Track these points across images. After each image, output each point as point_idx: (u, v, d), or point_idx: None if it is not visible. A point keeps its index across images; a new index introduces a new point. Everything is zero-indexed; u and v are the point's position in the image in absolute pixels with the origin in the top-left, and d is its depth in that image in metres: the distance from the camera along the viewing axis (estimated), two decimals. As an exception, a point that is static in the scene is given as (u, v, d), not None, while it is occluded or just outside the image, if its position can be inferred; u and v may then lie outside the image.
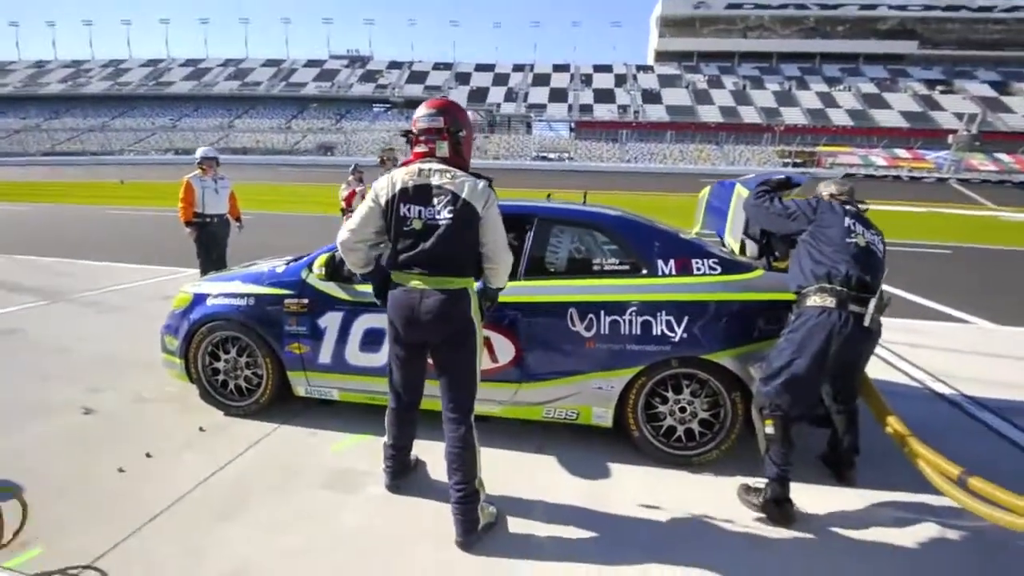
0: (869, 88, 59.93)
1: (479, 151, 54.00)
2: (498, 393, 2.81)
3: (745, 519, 2.30)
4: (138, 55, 74.73)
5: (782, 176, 2.74)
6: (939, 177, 42.50)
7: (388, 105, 65.52)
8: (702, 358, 2.55)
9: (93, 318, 5.22)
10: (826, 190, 2.52)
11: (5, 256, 8.30)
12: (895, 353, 4.62)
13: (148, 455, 2.74)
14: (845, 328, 2.11)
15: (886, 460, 2.67)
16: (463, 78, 67.86)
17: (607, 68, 68.58)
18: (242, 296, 3.12)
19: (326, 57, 74.83)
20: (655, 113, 58.78)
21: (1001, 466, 2.83)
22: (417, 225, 2.05)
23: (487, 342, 2.72)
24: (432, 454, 2.62)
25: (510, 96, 63.64)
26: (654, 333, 2.58)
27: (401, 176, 2.09)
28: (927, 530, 2.22)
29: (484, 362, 2.74)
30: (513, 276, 2.78)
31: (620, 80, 65.55)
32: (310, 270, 3.00)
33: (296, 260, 3.19)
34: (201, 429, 3.04)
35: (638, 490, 2.50)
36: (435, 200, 2.04)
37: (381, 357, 2.85)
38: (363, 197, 7.37)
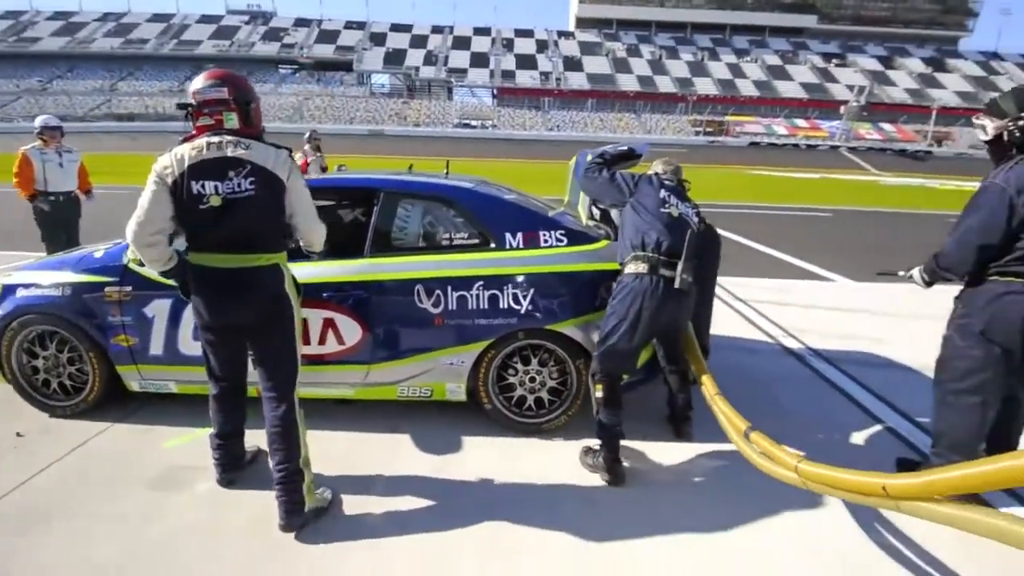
0: (774, 60, 63.46)
1: (398, 117, 52.03)
2: (349, 375, 2.71)
3: (584, 479, 2.39)
4: (-8, 4, 64.22)
5: (624, 147, 2.78)
6: (832, 145, 46.16)
7: (296, 67, 61.08)
8: (547, 328, 2.58)
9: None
10: (655, 168, 2.61)
11: None
12: (759, 312, 4.98)
13: (-52, 468, 2.42)
14: (657, 291, 2.21)
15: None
16: (378, 39, 64.41)
17: (528, 33, 67.70)
18: (57, 286, 2.77)
19: (223, 12, 68.12)
20: (577, 81, 59.07)
21: (827, 407, 3.17)
22: (215, 202, 1.89)
23: (332, 323, 2.61)
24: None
25: (429, 59, 61.33)
26: (501, 306, 2.57)
27: (187, 151, 1.89)
28: (739, 478, 2.40)
29: (331, 344, 2.64)
30: (358, 253, 2.68)
31: (542, 46, 65.01)
32: (132, 254, 2.71)
33: (116, 244, 2.87)
34: (19, 434, 2.72)
35: (487, 460, 2.54)
36: (231, 173, 1.89)
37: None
38: (323, 170, 6.71)
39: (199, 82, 1.95)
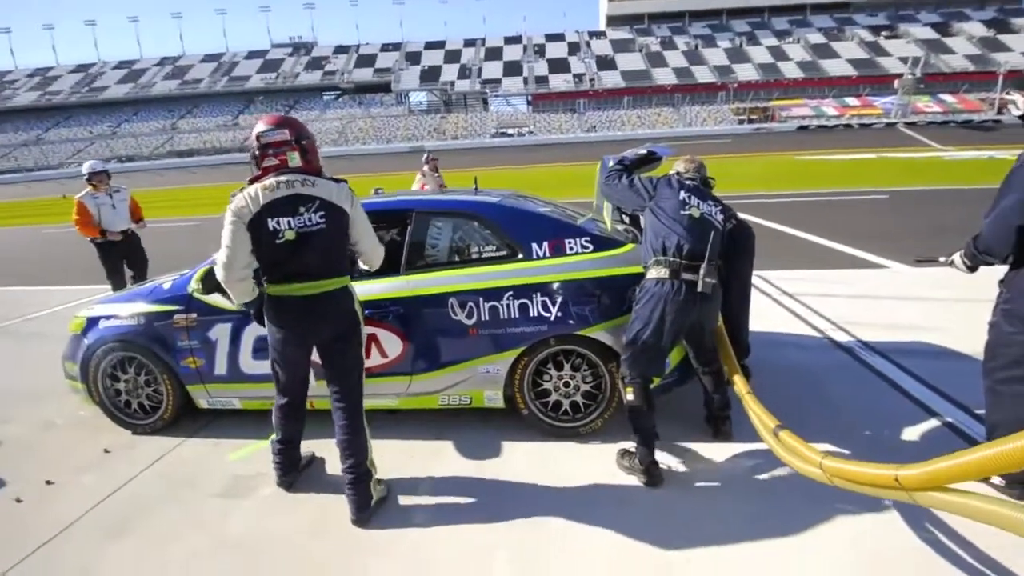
0: (817, 38, 60.62)
1: (437, 132, 53.18)
2: (393, 387, 2.87)
3: (620, 481, 2.44)
4: (66, 61, 70.55)
5: (644, 151, 2.81)
6: (887, 122, 43.53)
7: (338, 92, 63.66)
8: (577, 334, 2.65)
9: (10, 347, 5.08)
10: (676, 167, 2.62)
11: (-76, 289, 7.95)
12: (806, 305, 4.83)
13: (48, 482, 2.76)
14: (679, 296, 2.23)
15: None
16: (413, 57, 66.22)
17: (559, 37, 67.72)
18: (132, 316, 3.09)
19: (268, 47, 71.93)
20: (611, 79, 58.51)
21: (878, 403, 3.05)
22: (290, 236, 2.08)
23: (374, 338, 2.77)
24: (327, 451, 2.71)
25: (464, 73, 62.43)
26: (531, 315, 2.66)
27: (260, 191, 2.09)
28: (778, 477, 2.37)
29: (375, 358, 2.81)
30: (395, 271, 2.84)
31: (573, 48, 64.87)
32: (196, 283, 2.99)
33: (182, 275, 3.16)
34: (106, 451, 3.04)
35: (525, 463, 2.63)
36: (302, 208, 2.09)
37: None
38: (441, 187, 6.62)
39: (261, 127, 2.16)
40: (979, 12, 61.36)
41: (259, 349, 2.91)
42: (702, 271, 2.21)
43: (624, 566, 1.97)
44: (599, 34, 68.13)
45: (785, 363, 3.58)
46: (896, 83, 47.57)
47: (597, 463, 2.59)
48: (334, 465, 2.70)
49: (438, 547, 2.13)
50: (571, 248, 2.72)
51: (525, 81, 60.27)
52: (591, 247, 2.72)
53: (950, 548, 1.94)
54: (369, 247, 2.31)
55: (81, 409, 3.46)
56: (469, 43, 68.56)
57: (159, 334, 3.03)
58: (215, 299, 2.93)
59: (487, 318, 2.69)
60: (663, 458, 2.47)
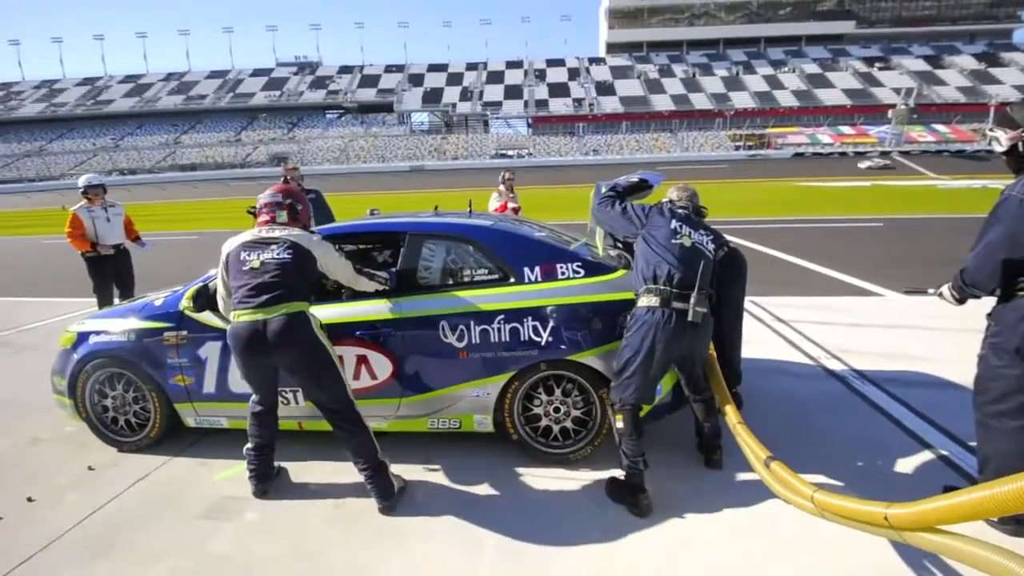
0: (812, 68, 61.99)
1: (437, 152, 53.72)
2: (382, 409, 2.84)
3: (610, 510, 2.40)
4: (73, 73, 71.47)
5: (636, 178, 2.85)
6: (882, 151, 44.22)
7: (341, 111, 64.52)
8: (568, 359, 2.64)
9: (2, 359, 5.04)
10: (669, 195, 2.64)
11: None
12: (800, 332, 4.84)
13: (30, 499, 2.71)
14: (669, 324, 2.23)
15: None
16: (416, 79, 67.34)
17: (560, 62, 69.09)
18: (123, 332, 3.07)
19: (273, 65, 73.11)
20: (609, 105, 59.52)
21: (870, 433, 3.03)
22: (255, 264, 2.41)
23: (364, 359, 2.76)
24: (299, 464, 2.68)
25: (465, 95, 63.45)
26: (522, 339, 2.65)
27: (241, 236, 2.51)
28: (770, 508, 2.34)
29: (364, 379, 2.79)
30: (387, 293, 2.84)
31: (573, 74, 66.11)
32: (187, 301, 2.98)
33: (174, 292, 3.16)
34: (90, 468, 3.00)
35: (514, 490, 2.60)
36: (273, 246, 2.45)
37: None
38: (515, 211, 6.21)
39: (266, 194, 2.58)
40: (969, 46, 63.00)
41: (249, 368, 2.88)
42: (692, 300, 2.21)
43: (611, 599, 1.93)
44: (599, 60, 69.56)
45: (777, 391, 3.57)
46: (890, 113, 48.47)
47: (586, 491, 2.56)
48: (319, 486, 2.69)
49: (420, 573, 2.08)
50: (563, 273, 2.73)
51: (525, 104, 61.24)
52: (583, 272, 2.73)
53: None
54: (346, 279, 2.68)
55: (68, 425, 3.42)
56: (471, 66, 69.85)
57: (149, 351, 3.01)
58: (206, 317, 2.93)
59: (478, 341, 2.68)
60: (653, 486, 2.43)
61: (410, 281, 2.85)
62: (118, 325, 3.11)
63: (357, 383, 2.79)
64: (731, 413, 2.33)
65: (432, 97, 63.45)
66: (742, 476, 2.58)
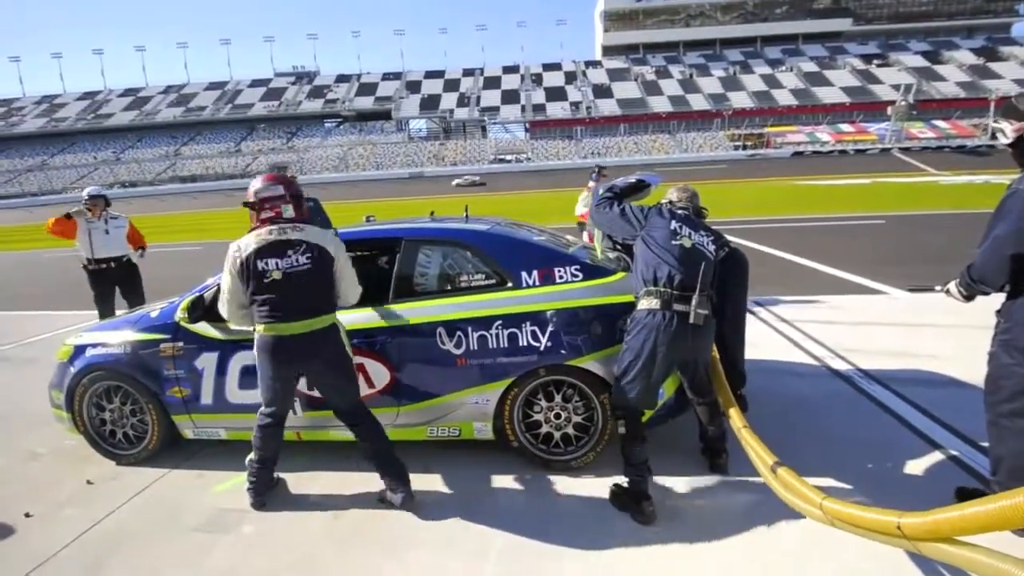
0: (810, 67, 62.03)
1: (436, 158, 53.82)
2: (380, 418, 2.77)
3: (613, 518, 2.35)
4: (73, 88, 71.95)
5: (633, 179, 2.81)
6: (882, 148, 44.18)
7: (340, 120, 64.74)
8: (568, 364, 2.60)
9: (2, 373, 5.02)
10: (668, 196, 2.61)
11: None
12: (804, 332, 4.79)
13: (27, 515, 2.68)
14: (670, 327, 2.19)
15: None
16: (413, 86, 67.58)
17: (556, 66, 69.30)
18: (119, 344, 3.05)
19: (271, 76, 73.47)
20: (607, 107, 59.63)
21: (878, 434, 2.98)
22: (277, 276, 2.32)
23: (362, 367, 2.73)
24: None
25: (462, 101, 63.66)
26: (521, 344, 2.61)
27: (251, 239, 2.37)
28: (777, 514, 2.28)
29: (362, 388, 2.75)
30: (383, 300, 2.81)
31: (570, 77, 66.29)
32: (183, 312, 2.95)
33: (170, 303, 3.13)
34: (89, 482, 2.96)
35: (515, 499, 2.56)
36: (289, 251, 2.35)
37: (259, 393, 2.84)
38: None
39: (259, 184, 2.46)
40: (968, 41, 63.00)
41: (245, 379, 2.85)
42: (694, 302, 2.17)
43: (616, 609, 1.88)
44: (595, 63, 69.77)
45: (782, 392, 3.52)
46: (889, 110, 48.47)
47: (589, 499, 2.51)
48: (318, 497, 2.65)
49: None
50: (561, 276, 2.69)
51: (523, 109, 61.40)
52: (581, 275, 2.69)
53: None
54: (348, 286, 2.54)
55: (66, 438, 3.39)
56: (468, 72, 70.11)
57: (146, 363, 2.98)
58: (202, 328, 2.90)
59: (476, 348, 2.65)
60: (657, 493, 2.39)
61: (406, 287, 2.82)
62: (115, 337, 3.08)
63: (355, 392, 2.76)
64: (735, 416, 2.28)
65: (430, 104, 63.65)
66: (748, 480, 2.53)
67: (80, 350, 3.15)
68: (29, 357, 5.46)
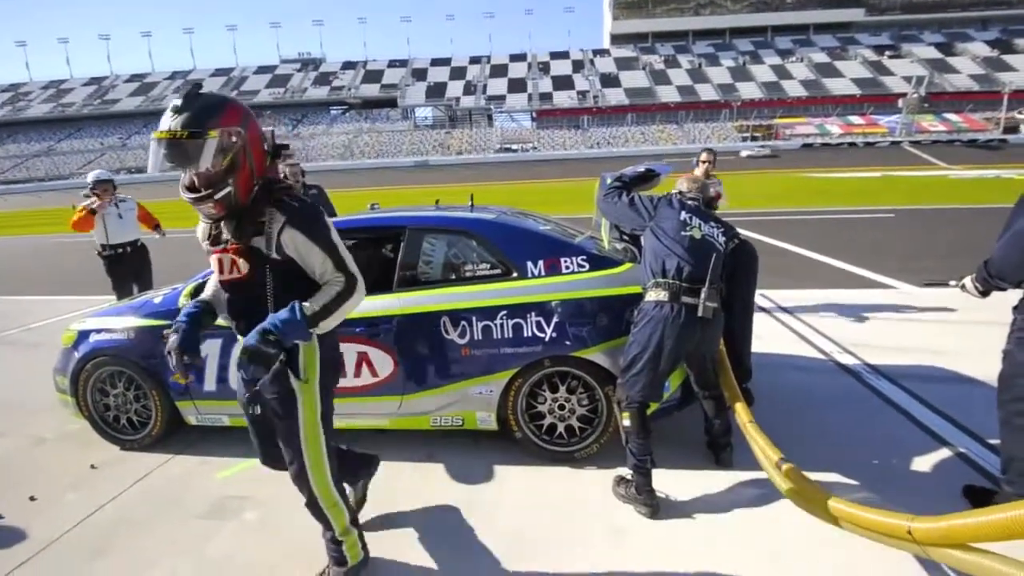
0: (820, 57, 61.13)
1: (442, 147, 53.56)
2: (383, 406, 2.80)
3: (616, 510, 2.34)
4: (79, 73, 71.87)
5: (643, 169, 2.76)
6: (892, 141, 43.61)
7: (345, 107, 64.45)
8: (572, 355, 2.57)
9: (8, 358, 5.04)
10: (678, 186, 2.56)
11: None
12: (811, 326, 4.74)
13: (32, 498, 2.69)
14: (678, 319, 2.15)
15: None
16: (419, 74, 67.10)
17: (564, 55, 68.57)
18: (123, 330, 3.04)
19: (277, 62, 73.10)
20: (615, 97, 59.05)
21: (885, 430, 2.95)
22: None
23: (365, 356, 2.71)
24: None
25: (469, 89, 63.18)
26: (525, 335, 2.59)
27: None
28: (782, 509, 2.27)
29: (365, 377, 2.74)
30: (387, 288, 2.79)
31: (578, 66, 65.62)
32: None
33: (173, 289, 3.12)
34: (92, 466, 2.98)
35: (518, 489, 2.54)
36: None
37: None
38: (718, 197, 4.68)
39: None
40: (982, 33, 61.88)
41: (248, 366, 2.84)
42: (703, 295, 2.13)
43: (619, 602, 1.87)
44: (603, 52, 68.97)
45: (788, 387, 3.49)
46: (900, 102, 47.78)
47: (592, 490, 2.49)
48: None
49: (423, 573, 2.04)
50: (567, 267, 2.66)
51: (529, 98, 60.89)
52: (587, 266, 2.66)
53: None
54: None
55: (71, 423, 3.40)
56: (475, 60, 69.52)
57: (149, 348, 2.97)
58: (205, 314, 2.88)
59: (480, 338, 2.62)
60: (661, 485, 2.37)
61: (410, 276, 2.79)
62: (118, 323, 3.08)
63: (358, 380, 2.75)
64: (741, 411, 2.26)
65: (436, 92, 63.20)
66: (753, 475, 2.51)
67: (84, 335, 3.15)
68: (34, 342, 5.49)
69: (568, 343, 2.56)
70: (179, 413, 3.08)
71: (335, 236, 1.75)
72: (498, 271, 2.72)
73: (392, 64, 70.01)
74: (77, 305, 6.68)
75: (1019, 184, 18.03)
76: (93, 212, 4.79)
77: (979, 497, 2.23)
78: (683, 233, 2.28)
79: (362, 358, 2.72)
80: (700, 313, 2.13)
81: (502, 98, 61.32)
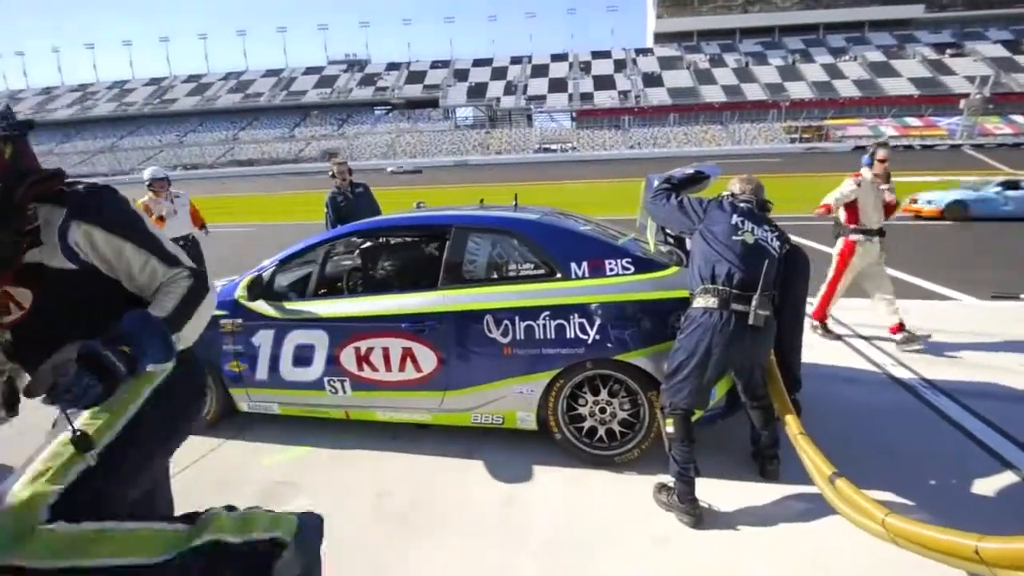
0: (876, 56, 58.45)
1: (481, 147, 53.95)
2: (426, 402, 2.85)
3: (657, 517, 2.31)
4: (141, 75, 76.01)
5: (691, 170, 2.71)
6: (952, 144, 41.28)
7: (389, 107, 65.79)
8: (615, 359, 2.55)
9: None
10: (730, 187, 2.50)
11: None
12: (864, 338, 4.56)
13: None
14: (728, 327, 2.10)
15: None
16: (461, 74, 67.80)
17: (606, 54, 67.95)
18: (182, 319, 3.20)
19: (325, 63, 75.34)
20: (657, 96, 58.11)
21: (942, 448, 2.80)
22: None
23: (410, 352, 2.77)
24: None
25: (509, 89, 63.43)
26: (568, 336, 2.58)
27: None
28: (830, 525, 2.19)
29: (409, 372, 2.80)
30: (432, 286, 2.84)
31: (620, 66, 64.89)
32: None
33: (231, 281, 3.26)
34: (151, 449, 3.14)
35: (557, 492, 2.53)
36: None
37: (312, 371, 2.94)
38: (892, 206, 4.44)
39: None
40: (1057, 29, 57.74)
41: (299, 357, 2.95)
42: (754, 302, 2.07)
43: (658, 610, 1.85)
44: (646, 51, 67.96)
45: (838, 399, 3.36)
46: (962, 103, 45.12)
47: (632, 496, 2.47)
48: (363, 475, 2.72)
49: (456, 571, 2.07)
50: (611, 269, 2.64)
51: (570, 98, 60.62)
52: (632, 268, 2.63)
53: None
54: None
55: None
56: (516, 60, 69.72)
57: (206, 337, 3.09)
58: (260, 306, 3.02)
59: (522, 337, 2.64)
60: (703, 495, 2.32)
61: (455, 274, 2.83)
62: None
63: (402, 375, 2.81)
64: (792, 423, 2.19)
65: (476, 92, 63.71)
66: (798, 489, 2.43)
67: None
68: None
69: (611, 346, 2.54)
70: (232, 400, 3.22)
71: (150, 225, 1.32)
72: (542, 271, 2.73)
73: (435, 65, 71.03)
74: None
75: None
76: (161, 219, 5.07)
77: (1048, 525, 2.09)
78: (734, 237, 2.22)
79: (406, 353, 2.78)
80: (751, 321, 2.07)
81: (543, 98, 61.26)
